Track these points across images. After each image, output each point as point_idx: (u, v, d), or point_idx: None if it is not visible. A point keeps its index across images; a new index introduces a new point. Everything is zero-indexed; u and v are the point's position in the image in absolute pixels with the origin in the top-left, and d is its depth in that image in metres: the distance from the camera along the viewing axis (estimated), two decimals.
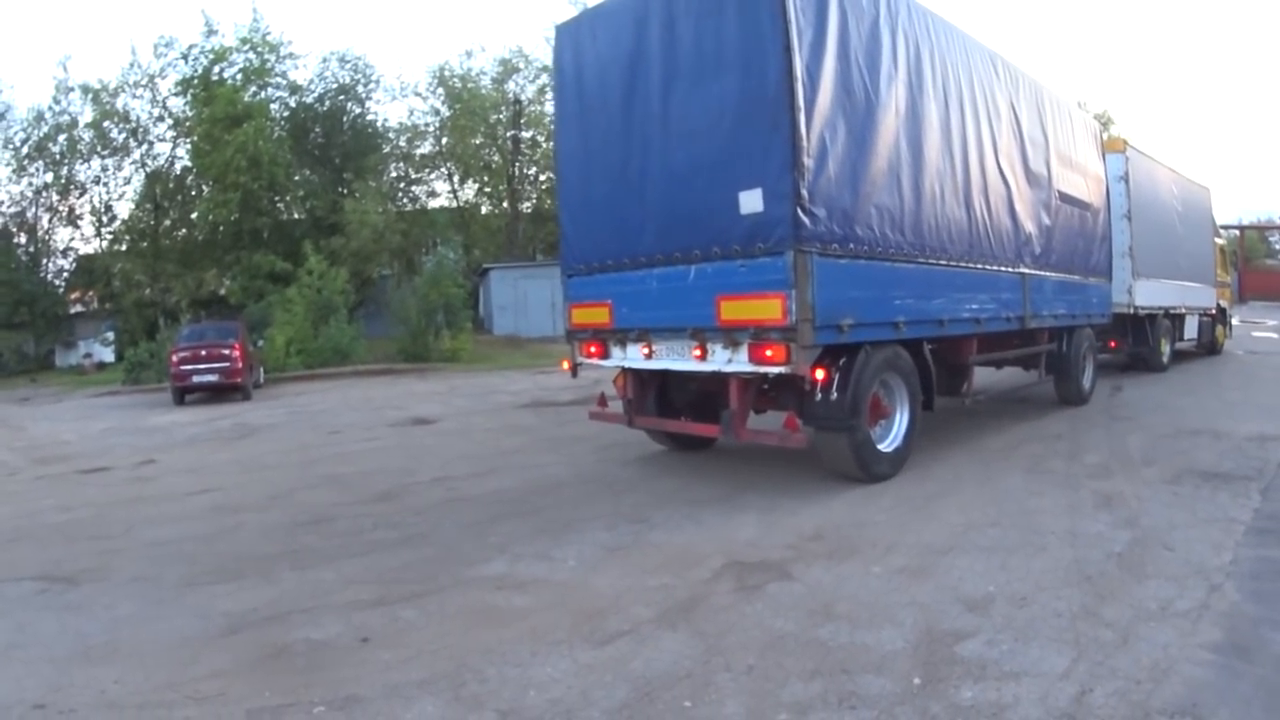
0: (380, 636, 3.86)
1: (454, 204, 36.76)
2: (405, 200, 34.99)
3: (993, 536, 5.02)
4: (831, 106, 6.03)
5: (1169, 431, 8.38)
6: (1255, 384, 12.77)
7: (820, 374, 6.04)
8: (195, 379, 16.73)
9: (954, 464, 7.15)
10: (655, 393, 7.57)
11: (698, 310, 6.29)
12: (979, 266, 7.76)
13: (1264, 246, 60.53)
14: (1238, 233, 46.26)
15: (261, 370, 19.81)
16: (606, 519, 5.80)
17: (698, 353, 6.35)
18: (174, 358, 17.03)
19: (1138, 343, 13.76)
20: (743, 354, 6.05)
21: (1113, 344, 13.19)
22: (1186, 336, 15.93)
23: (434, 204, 36.16)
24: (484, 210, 38.03)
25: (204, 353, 16.91)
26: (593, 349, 7.38)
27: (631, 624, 3.87)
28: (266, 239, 28.55)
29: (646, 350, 6.83)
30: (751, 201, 5.87)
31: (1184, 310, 15.38)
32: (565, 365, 7.81)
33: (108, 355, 28.97)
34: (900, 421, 6.86)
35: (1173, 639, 3.48)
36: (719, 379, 6.58)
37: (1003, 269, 8.20)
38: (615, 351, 7.19)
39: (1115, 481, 6.35)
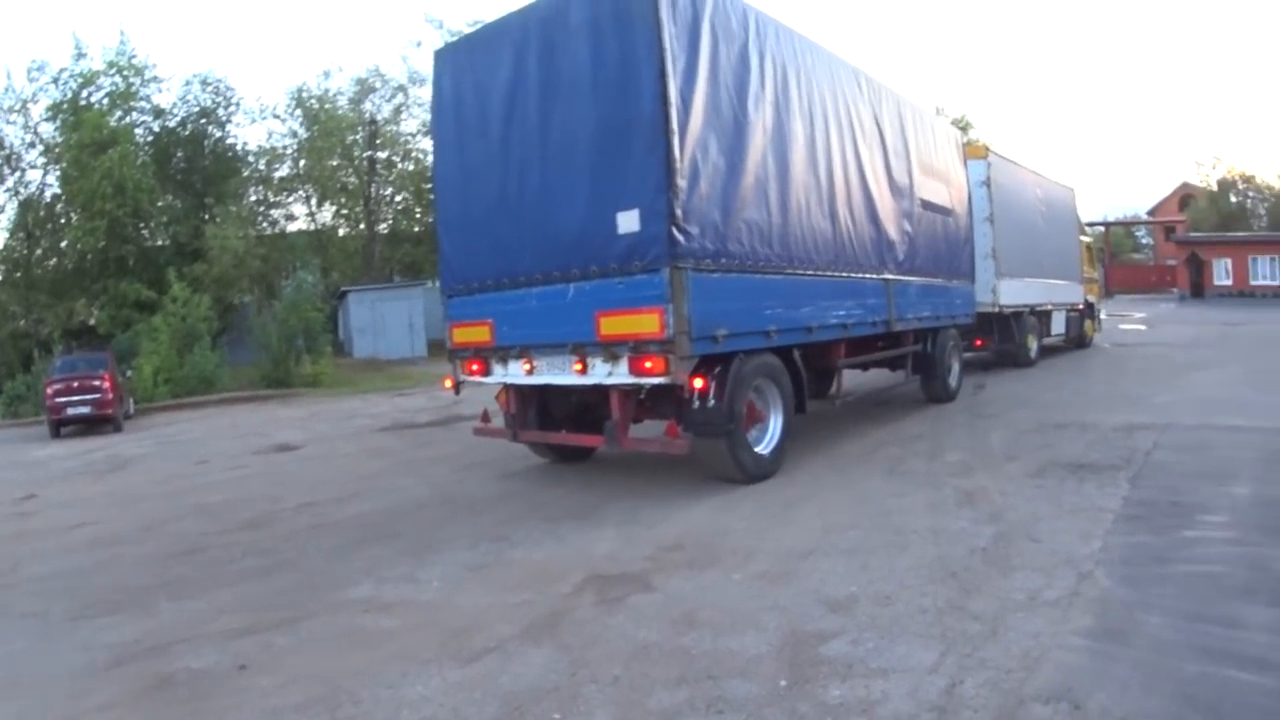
0: (256, 663, 3.88)
1: (312, 227, 36.15)
2: (265, 224, 34.18)
3: (853, 538, 5.05)
4: (703, 128, 6.24)
5: (1033, 426, 8.53)
6: (1123, 375, 13.18)
7: (698, 383, 6.24)
8: (70, 411, 16.40)
9: (813, 470, 7.21)
10: (536, 407, 7.63)
11: (577, 326, 6.42)
12: (845, 275, 8.08)
13: (1130, 241, 64.45)
14: (1104, 229, 49.15)
15: (132, 401, 19.29)
16: (468, 538, 5.81)
17: (578, 367, 6.47)
18: (49, 390, 16.69)
19: (1004, 340, 14.31)
20: (623, 367, 6.21)
21: (979, 342, 13.70)
22: (1054, 332, 16.66)
23: (292, 227, 35.47)
24: (341, 232, 37.46)
25: (76, 384, 16.57)
26: (475, 366, 7.42)
27: (497, 641, 3.91)
28: (132, 267, 27.46)
29: (528, 366, 6.91)
30: (629, 221, 6.05)
31: (1050, 307, 16.12)
32: (448, 384, 7.82)
33: None
34: (774, 424, 7.12)
35: (1043, 628, 3.52)
36: (599, 391, 6.72)
37: (867, 276, 8.54)
38: (497, 368, 7.25)
39: (977, 478, 6.41)
